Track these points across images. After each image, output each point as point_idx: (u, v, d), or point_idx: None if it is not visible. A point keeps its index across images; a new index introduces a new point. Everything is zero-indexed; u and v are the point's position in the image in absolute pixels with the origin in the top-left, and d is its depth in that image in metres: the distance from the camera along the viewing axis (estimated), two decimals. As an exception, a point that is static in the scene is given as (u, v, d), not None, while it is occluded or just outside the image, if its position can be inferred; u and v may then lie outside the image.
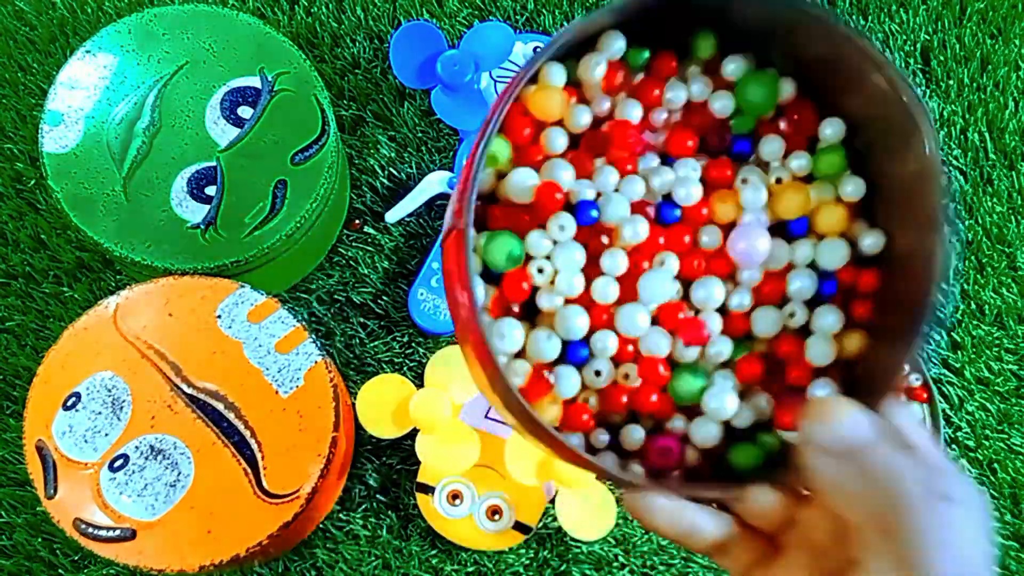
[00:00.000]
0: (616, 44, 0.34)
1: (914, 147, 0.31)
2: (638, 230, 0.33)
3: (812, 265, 0.34)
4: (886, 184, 0.33)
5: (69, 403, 0.48)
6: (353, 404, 0.54)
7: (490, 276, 0.33)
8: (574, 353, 0.33)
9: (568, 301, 0.33)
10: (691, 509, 0.31)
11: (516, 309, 0.34)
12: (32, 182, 0.61)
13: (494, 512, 0.54)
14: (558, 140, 0.34)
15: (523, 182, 0.33)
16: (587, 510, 0.53)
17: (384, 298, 0.59)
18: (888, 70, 0.31)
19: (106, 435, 0.48)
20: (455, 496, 0.54)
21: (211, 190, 0.53)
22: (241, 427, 0.48)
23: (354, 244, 0.60)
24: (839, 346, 0.33)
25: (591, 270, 0.33)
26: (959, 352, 0.60)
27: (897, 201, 0.33)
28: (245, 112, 0.54)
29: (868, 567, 0.28)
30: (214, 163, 0.53)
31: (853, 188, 0.34)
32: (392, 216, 0.60)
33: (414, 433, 0.54)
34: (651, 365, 0.33)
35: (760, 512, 0.31)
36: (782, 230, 0.34)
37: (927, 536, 0.27)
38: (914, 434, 0.30)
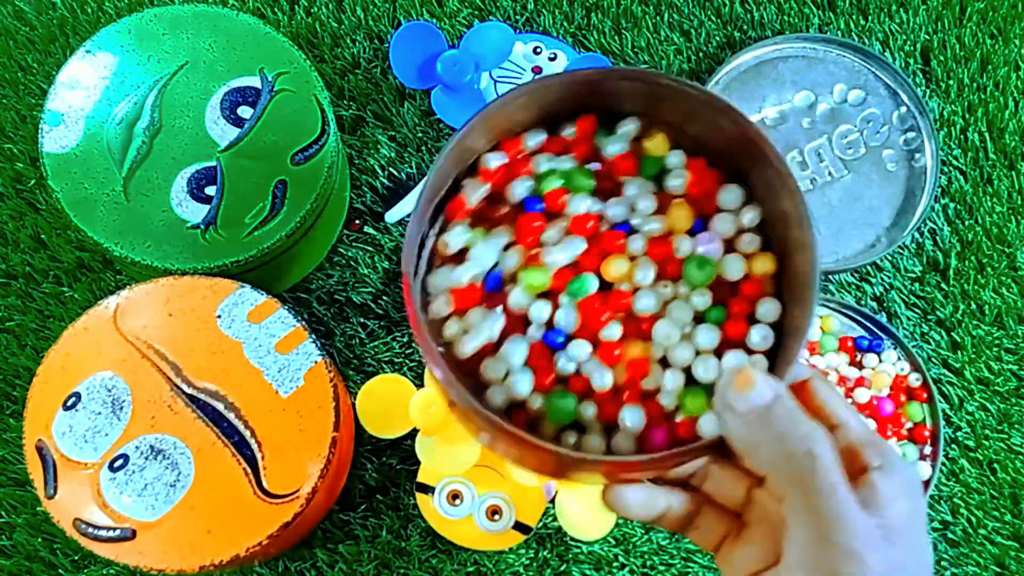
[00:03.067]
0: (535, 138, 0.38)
1: (767, 165, 0.36)
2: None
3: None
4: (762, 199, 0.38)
5: (69, 403, 0.48)
6: (353, 404, 0.54)
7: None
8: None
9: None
10: (661, 494, 0.35)
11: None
12: (32, 182, 0.61)
13: (494, 512, 0.54)
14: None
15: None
16: (587, 510, 0.53)
17: (384, 298, 0.59)
18: (733, 114, 0.36)
19: (106, 435, 0.48)
20: (455, 496, 0.54)
21: (211, 190, 0.53)
22: (241, 427, 0.48)
23: (354, 244, 0.60)
24: (750, 268, 0.37)
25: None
26: (959, 352, 0.60)
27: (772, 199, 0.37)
28: (245, 112, 0.54)
29: (789, 522, 0.31)
30: (214, 163, 0.53)
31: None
32: (392, 216, 0.60)
33: (414, 433, 0.54)
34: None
35: (719, 488, 0.36)
36: None
37: (839, 491, 0.30)
38: (837, 410, 0.34)
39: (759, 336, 0.35)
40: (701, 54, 0.64)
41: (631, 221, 0.38)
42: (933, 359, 0.60)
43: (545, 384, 0.36)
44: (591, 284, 0.36)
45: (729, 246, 0.37)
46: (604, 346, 0.36)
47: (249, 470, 0.48)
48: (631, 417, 0.35)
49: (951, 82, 0.64)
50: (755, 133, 0.36)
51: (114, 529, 0.47)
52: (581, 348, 0.36)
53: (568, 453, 0.33)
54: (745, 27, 0.65)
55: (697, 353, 0.36)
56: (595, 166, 0.38)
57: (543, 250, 0.37)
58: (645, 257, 0.37)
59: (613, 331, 0.36)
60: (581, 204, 0.37)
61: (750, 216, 0.37)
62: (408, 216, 0.60)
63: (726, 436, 0.33)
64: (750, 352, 0.36)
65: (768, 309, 0.36)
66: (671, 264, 0.37)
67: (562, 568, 0.56)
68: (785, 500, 0.31)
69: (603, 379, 0.35)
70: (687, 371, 0.36)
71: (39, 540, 0.55)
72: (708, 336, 0.36)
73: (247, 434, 0.48)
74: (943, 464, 0.58)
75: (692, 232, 0.37)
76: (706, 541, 0.36)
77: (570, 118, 0.39)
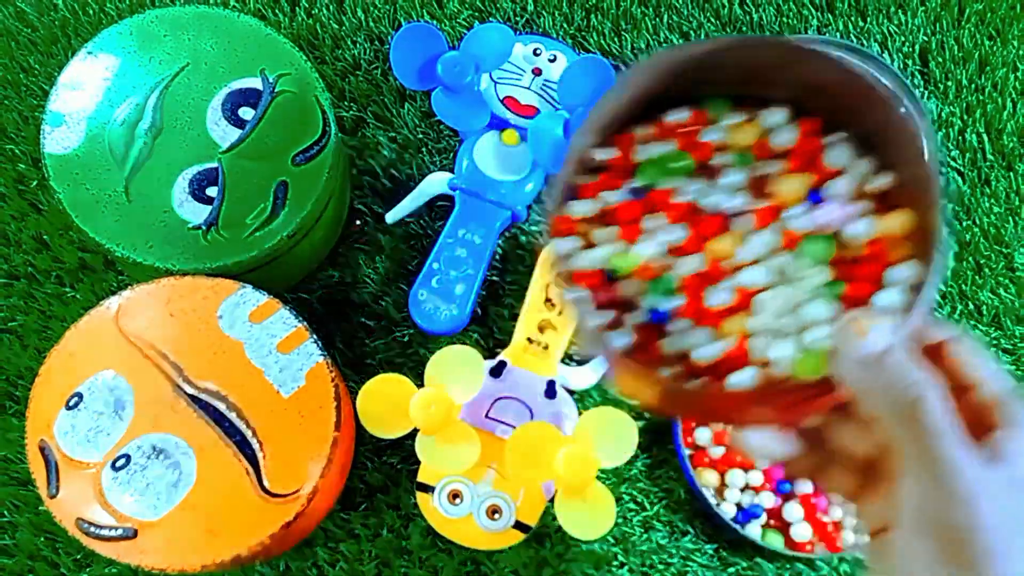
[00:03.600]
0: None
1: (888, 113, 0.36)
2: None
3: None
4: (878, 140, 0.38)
5: (71, 403, 0.48)
6: (353, 404, 0.54)
7: None
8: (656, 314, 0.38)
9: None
10: (787, 440, 0.37)
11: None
12: (34, 183, 0.61)
13: (494, 512, 0.54)
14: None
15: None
16: (587, 510, 0.53)
17: (384, 298, 0.60)
18: (839, 62, 0.36)
19: (108, 435, 0.48)
20: (455, 496, 0.55)
21: (212, 191, 0.53)
22: (243, 427, 0.48)
23: (355, 245, 0.61)
24: (884, 226, 0.37)
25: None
26: (957, 352, 0.60)
27: (890, 149, 0.38)
28: (246, 113, 0.54)
29: (901, 471, 0.32)
30: (215, 164, 0.54)
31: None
32: (392, 217, 0.60)
33: (414, 433, 0.54)
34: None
35: (848, 440, 0.36)
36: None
37: (947, 436, 0.31)
38: (974, 369, 0.34)
39: (891, 299, 0.36)
40: (700, 55, 0.64)
41: (731, 204, 0.39)
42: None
43: (654, 359, 0.37)
44: (672, 283, 0.38)
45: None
46: (709, 315, 0.37)
47: (251, 470, 0.48)
48: (747, 375, 0.36)
49: (949, 83, 0.65)
50: (890, 101, 0.36)
51: (116, 528, 0.47)
52: (687, 326, 0.37)
53: (690, 386, 0.34)
54: (744, 29, 0.65)
55: (809, 325, 0.37)
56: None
57: (645, 235, 0.38)
58: (756, 231, 0.38)
59: (720, 298, 0.37)
60: (678, 193, 0.39)
61: (882, 180, 0.38)
62: (409, 217, 0.61)
63: (841, 381, 0.33)
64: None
65: (905, 272, 0.36)
66: (785, 237, 0.38)
67: (562, 568, 0.56)
68: (896, 448, 0.32)
69: (712, 350, 0.36)
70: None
71: (41, 539, 0.55)
72: (824, 309, 0.36)
73: (248, 434, 0.48)
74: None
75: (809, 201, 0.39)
76: (839, 491, 0.37)
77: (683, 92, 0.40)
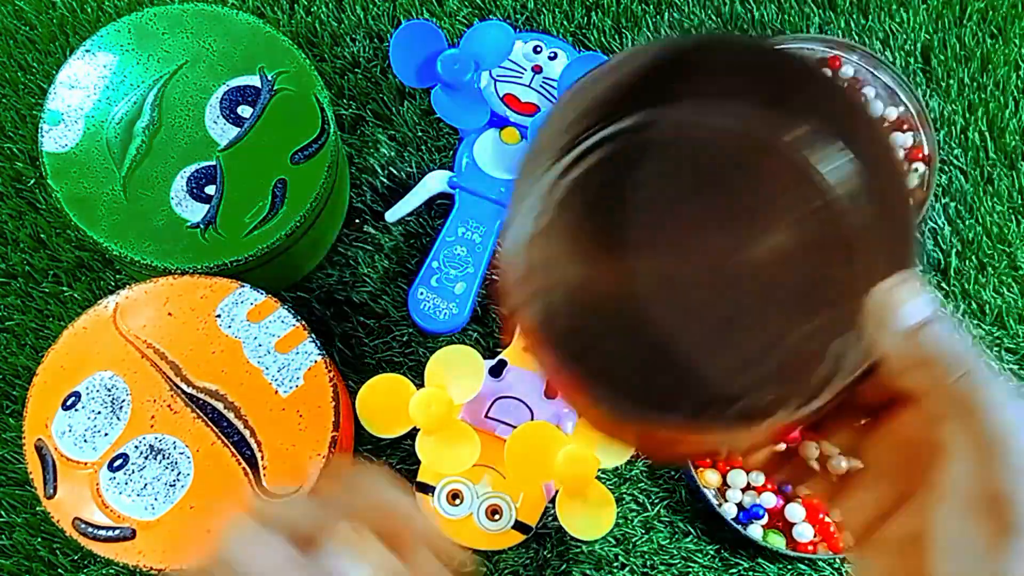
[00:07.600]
0: None
1: None
2: None
3: None
4: None
5: (68, 403, 0.48)
6: (352, 404, 0.54)
7: None
8: None
9: None
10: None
11: None
12: (32, 181, 0.61)
13: (494, 512, 0.54)
14: None
15: None
16: (587, 510, 0.53)
17: (384, 297, 0.59)
18: None
19: (105, 435, 0.48)
20: (455, 496, 0.54)
21: (211, 189, 0.53)
22: (241, 427, 0.48)
23: (354, 244, 0.60)
24: None
25: None
26: (959, 352, 0.60)
27: None
28: (245, 111, 0.54)
29: (949, 447, 0.30)
30: (214, 162, 0.53)
31: None
32: (392, 215, 0.60)
33: (414, 433, 0.54)
34: None
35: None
36: None
37: (1001, 405, 0.29)
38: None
39: None
40: (701, 53, 0.64)
41: None
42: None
43: None
44: None
45: None
46: None
47: (249, 470, 0.48)
48: None
49: (951, 81, 0.64)
50: None
51: (114, 529, 0.47)
52: None
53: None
54: (745, 27, 0.65)
55: None
56: None
57: None
58: None
59: None
60: None
61: None
62: (408, 216, 0.60)
63: (881, 356, 0.32)
64: None
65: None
66: None
67: (562, 568, 0.56)
68: (945, 421, 0.30)
69: None
70: None
71: (39, 540, 0.55)
72: None
73: (247, 434, 0.48)
74: (943, 464, 0.58)
75: None
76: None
77: None
